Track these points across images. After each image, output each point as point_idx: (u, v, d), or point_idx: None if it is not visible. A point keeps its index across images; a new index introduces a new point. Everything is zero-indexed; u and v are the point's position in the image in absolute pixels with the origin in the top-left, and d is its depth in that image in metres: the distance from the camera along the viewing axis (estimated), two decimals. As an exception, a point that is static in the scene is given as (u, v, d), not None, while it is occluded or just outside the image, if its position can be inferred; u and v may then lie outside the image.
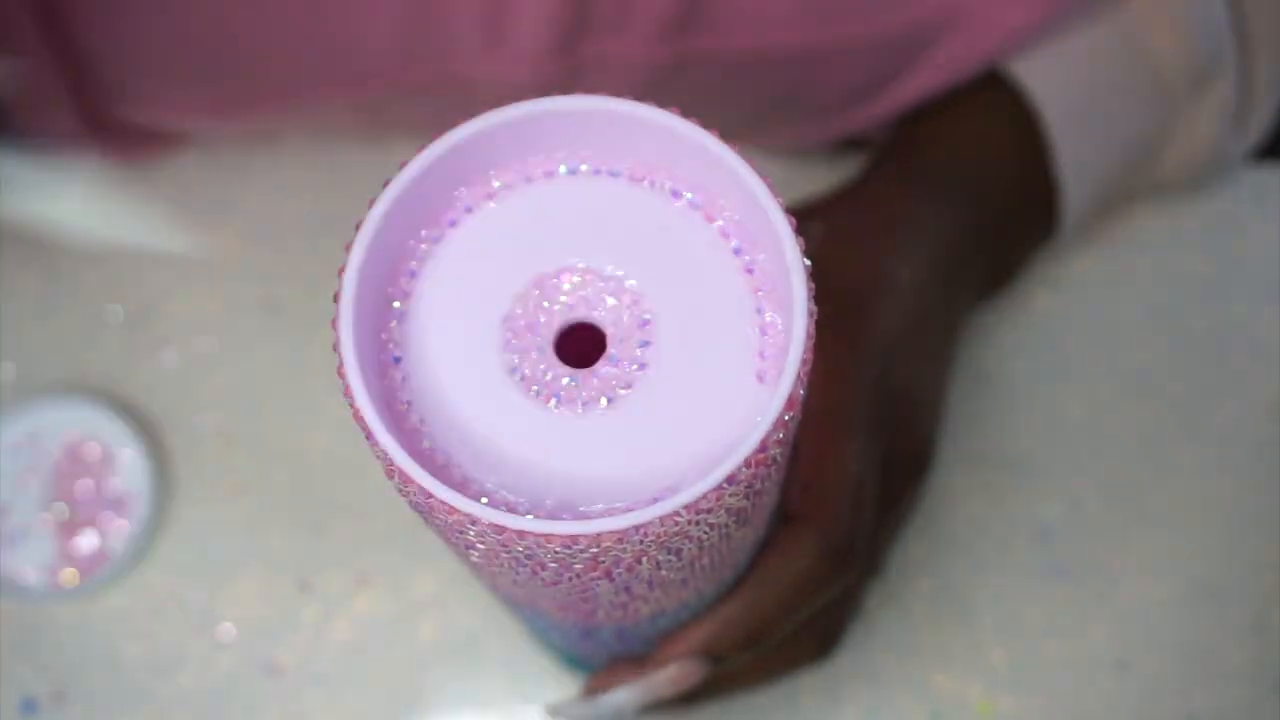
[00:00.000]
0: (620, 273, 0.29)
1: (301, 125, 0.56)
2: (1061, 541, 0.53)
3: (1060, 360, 0.55)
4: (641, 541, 0.26)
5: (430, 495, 0.26)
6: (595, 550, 0.26)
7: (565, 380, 0.28)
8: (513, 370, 0.28)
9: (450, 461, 0.28)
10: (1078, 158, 0.51)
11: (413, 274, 0.29)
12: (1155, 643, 0.52)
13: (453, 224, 0.29)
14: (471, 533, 0.26)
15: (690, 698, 0.42)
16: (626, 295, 0.29)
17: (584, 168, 0.29)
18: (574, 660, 0.47)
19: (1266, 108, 0.54)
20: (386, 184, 0.27)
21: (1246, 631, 0.52)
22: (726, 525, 0.28)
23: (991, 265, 0.51)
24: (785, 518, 0.40)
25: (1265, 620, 0.52)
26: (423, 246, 0.29)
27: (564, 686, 0.51)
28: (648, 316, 0.28)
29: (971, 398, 0.54)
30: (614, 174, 0.29)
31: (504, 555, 0.27)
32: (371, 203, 0.27)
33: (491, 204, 0.29)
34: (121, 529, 0.53)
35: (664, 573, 0.30)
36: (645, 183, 0.29)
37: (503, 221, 0.29)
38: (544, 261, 0.29)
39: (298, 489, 0.53)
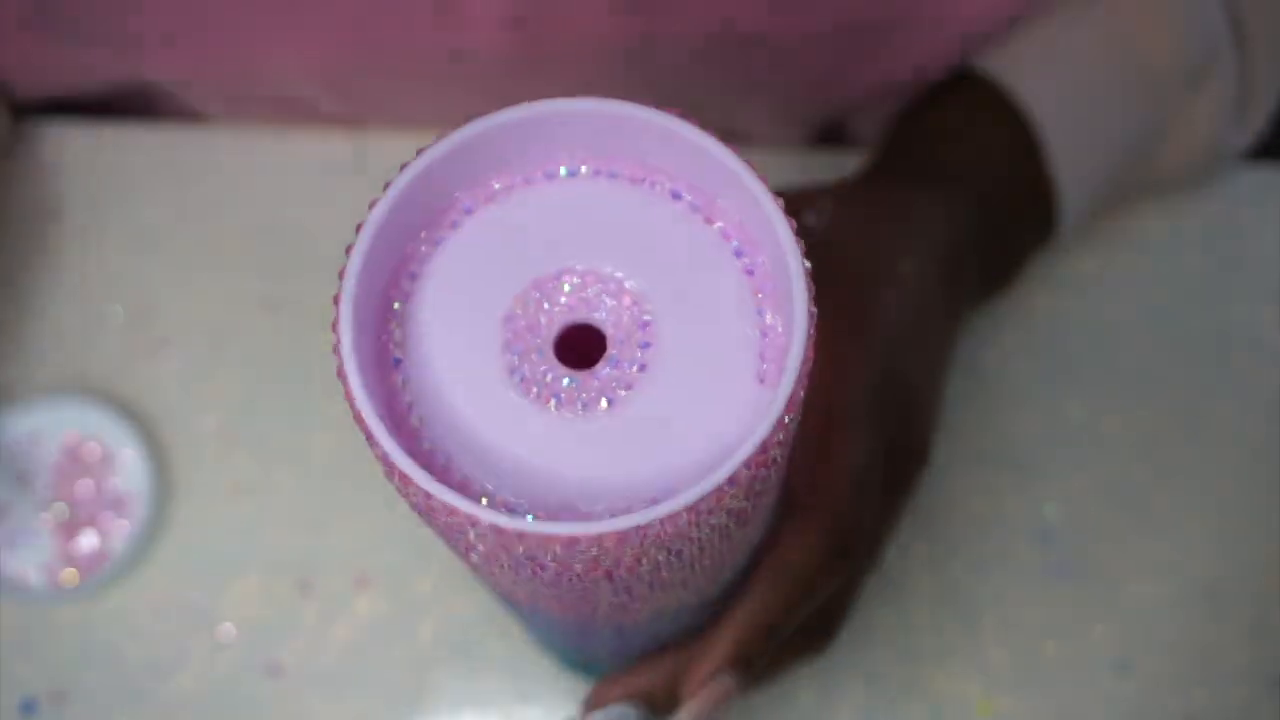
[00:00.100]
0: (620, 274, 0.29)
1: (273, 104, 0.56)
2: (1061, 541, 0.53)
3: (1060, 360, 0.55)
4: (642, 543, 0.26)
5: (431, 497, 0.26)
6: (596, 551, 0.26)
7: (565, 381, 0.28)
8: (513, 372, 0.28)
9: (451, 463, 0.28)
10: (1073, 159, 0.51)
11: (413, 276, 0.29)
12: (1155, 643, 0.52)
13: (453, 226, 0.29)
14: (472, 534, 0.26)
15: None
16: (626, 297, 0.29)
17: (584, 169, 0.29)
18: (573, 660, 0.47)
19: (1265, 104, 0.55)
20: (386, 186, 0.28)
21: (1246, 631, 0.52)
22: (727, 526, 0.28)
23: (991, 264, 0.51)
24: (789, 510, 0.40)
25: (1265, 620, 0.52)
26: (423, 248, 0.29)
27: (564, 686, 0.51)
28: (648, 318, 0.28)
29: (971, 398, 0.54)
30: (614, 176, 0.29)
31: (504, 556, 0.27)
32: (372, 205, 0.27)
33: (491, 206, 0.29)
34: (121, 529, 0.53)
35: (664, 573, 0.29)
36: (645, 184, 0.29)
37: (502, 223, 0.29)
38: (544, 263, 0.29)
39: (298, 489, 0.53)
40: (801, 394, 0.27)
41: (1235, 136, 0.55)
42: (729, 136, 0.28)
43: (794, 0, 0.49)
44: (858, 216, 0.47)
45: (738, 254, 0.29)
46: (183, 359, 0.55)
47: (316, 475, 0.54)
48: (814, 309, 0.27)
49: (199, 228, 0.57)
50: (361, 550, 0.53)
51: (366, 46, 0.50)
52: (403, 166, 0.28)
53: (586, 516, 0.27)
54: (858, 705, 0.51)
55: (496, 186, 0.29)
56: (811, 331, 0.27)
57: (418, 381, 0.28)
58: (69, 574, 0.52)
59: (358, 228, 0.27)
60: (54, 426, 0.54)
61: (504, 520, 0.25)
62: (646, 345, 0.28)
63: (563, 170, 0.29)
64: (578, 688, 0.51)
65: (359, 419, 0.26)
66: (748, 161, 0.28)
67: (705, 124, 0.28)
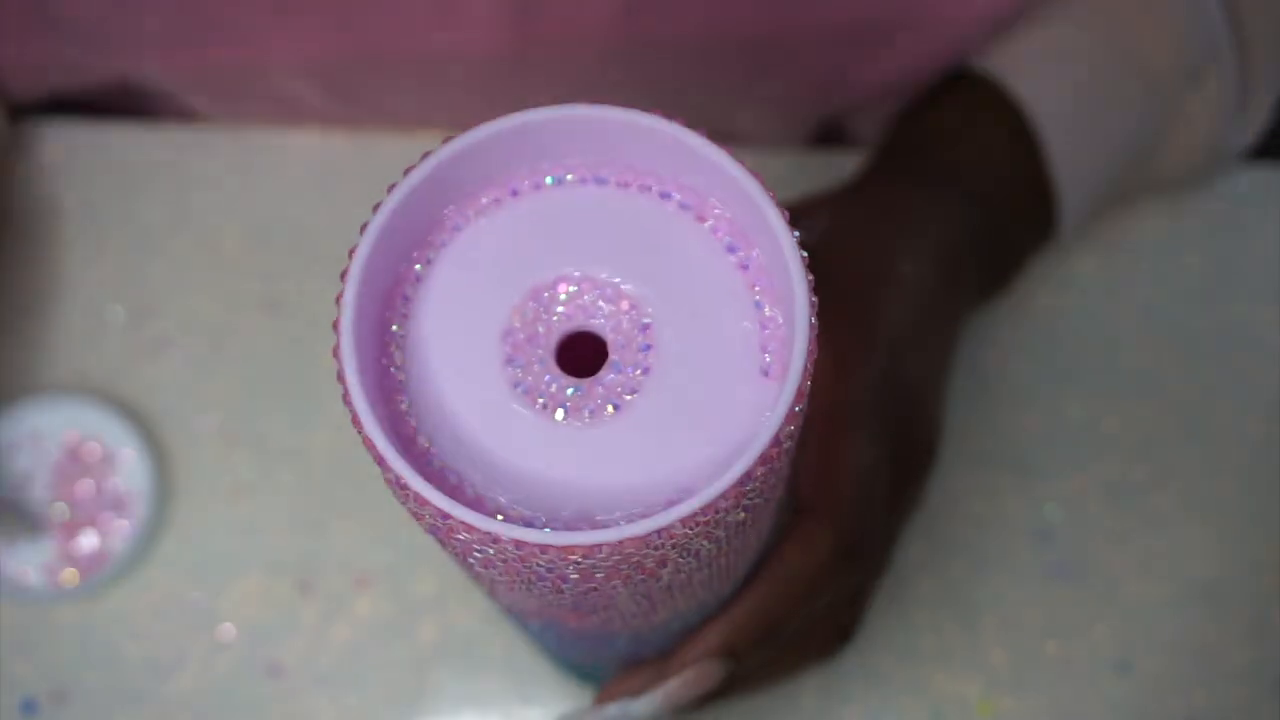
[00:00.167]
0: (616, 279, 0.29)
1: (269, 103, 0.56)
2: (1061, 541, 0.53)
3: (1060, 360, 0.55)
4: (662, 546, 0.26)
5: (448, 516, 0.25)
6: (617, 558, 0.26)
7: (570, 390, 0.28)
8: (516, 384, 0.28)
9: (462, 481, 0.27)
10: (1072, 161, 0.51)
11: (407, 298, 0.29)
12: (1155, 643, 0.52)
13: (444, 244, 0.29)
14: (491, 551, 0.26)
15: (706, 699, 0.42)
16: (624, 301, 0.29)
17: (570, 177, 0.29)
18: (580, 670, 0.47)
19: (1265, 103, 0.55)
20: (375, 209, 0.27)
21: (1246, 631, 0.52)
22: (743, 521, 0.28)
23: (992, 265, 0.51)
24: (796, 511, 0.40)
25: (1265, 620, 0.52)
26: (416, 268, 0.29)
27: (564, 687, 0.51)
28: (647, 320, 0.28)
29: (971, 398, 0.54)
30: (601, 181, 0.29)
31: (524, 571, 0.27)
32: (363, 229, 0.27)
33: (481, 220, 0.29)
34: (122, 529, 0.53)
35: (683, 575, 0.29)
36: (633, 187, 0.29)
37: (493, 237, 0.29)
38: (538, 273, 0.29)
39: (298, 489, 0.53)
40: (808, 384, 0.27)
41: (1236, 136, 0.55)
42: (727, 138, 0.28)
43: (793, 2, 0.49)
44: (857, 218, 0.47)
45: (731, 249, 0.29)
46: (183, 359, 0.55)
47: (316, 475, 0.54)
48: (814, 298, 0.27)
49: (199, 228, 0.57)
50: (361, 550, 0.53)
51: (366, 48, 0.50)
52: (390, 189, 0.28)
53: (603, 524, 0.27)
54: (858, 705, 0.51)
55: (484, 200, 0.29)
56: (813, 320, 0.27)
57: (422, 402, 0.28)
58: (69, 574, 0.52)
59: (350, 253, 0.27)
60: (54, 426, 0.54)
61: (525, 534, 0.25)
62: (647, 348, 0.28)
63: (549, 179, 0.29)
64: (578, 688, 0.51)
65: (369, 444, 0.26)
66: (736, 156, 0.28)
67: (691, 122, 0.28)
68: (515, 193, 0.29)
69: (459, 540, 0.26)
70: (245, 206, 0.57)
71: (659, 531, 0.25)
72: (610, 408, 0.28)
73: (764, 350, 0.28)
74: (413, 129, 0.57)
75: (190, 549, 0.53)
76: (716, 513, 0.26)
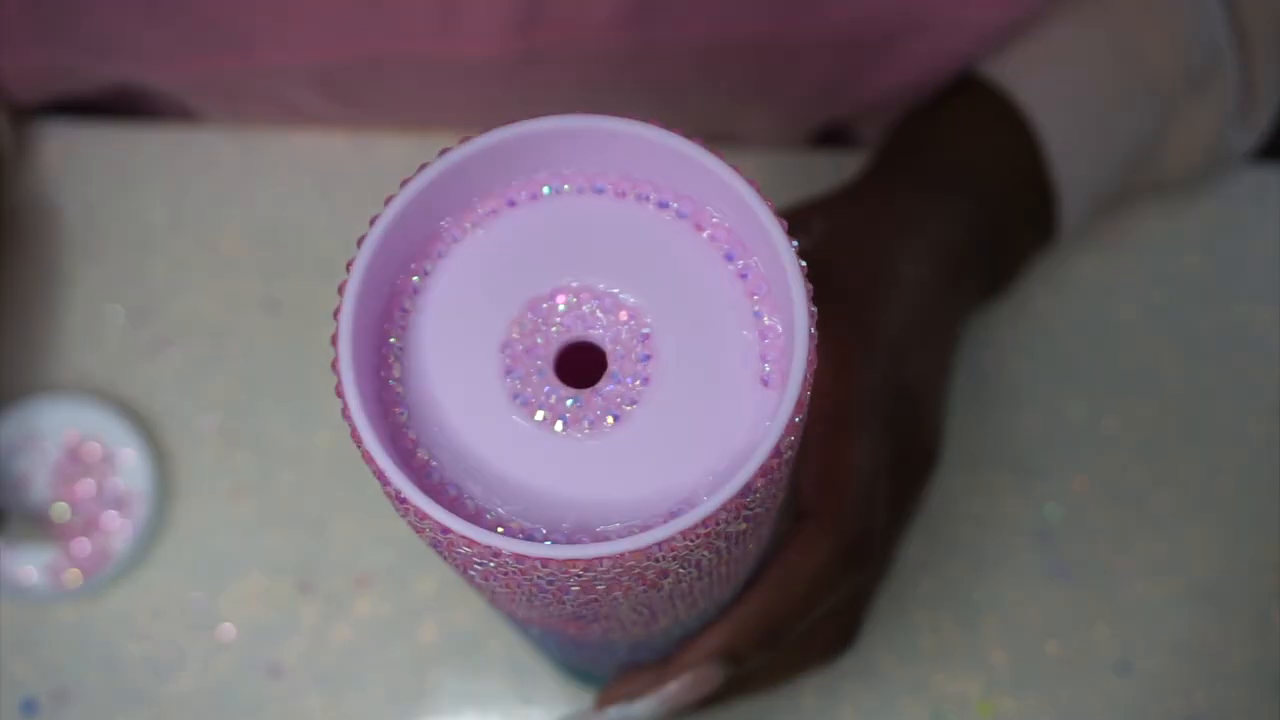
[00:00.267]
0: (614, 289, 0.29)
1: (271, 106, 0.56)
2: (1061, 541, 0.53)
3: (1060, 360, 0.55)
4: (663, 557, 0.26)
5: (448, 530, 0.25)
6: (618, 570, 0.26)
7: (569, 402, 0.28)
8: (515, 396, 0.28)
9: (462, 494, 0.27)
10: (1073, 163, 0.51)
11: (405, 310, 0.29)
12: (1155, 643, 0.52)
13: (441, 255, 0.29)
14: (492, 564, 0.26)
15: (707, 700, 0.42)
16: (623, 311, 0.28)
17: (566, 187, 0.29)
18: (581, 673, 0.47)
19: (1267, 105, 0.55)
20: (372, 222, 0.27)
21: (1246, 631, 0.52)
22: (744, 531, 0.28)
23: (992, 266, 0.51)
24: (798, 515, 0.40)
25: (1265, 620, 0.52)
26: (414, 280, 0.29)
27: (564, 688, 0.51)
28: (646, 330, 0.28)
29: (971, 398, 0.54)
30: (598, 190, 0.29)
31: (525, 583, 0.27)
32: (360, 242, 0.27)
33: (479, 231, 0.29)
34: (122, 529, 0.53)
35: (683, 585, 0.29)
36: (630, 197, 0.29)
37: (491, 248, 0.29)
38: (536, 284, 0.29)
39: (298, 489, 0.53)
40: (808, 394, 0.27)
41: (1238, 138, 0.54)
42: (730, 141, 0.28)
43: (797, 8, 0.48)
44: (856, 220, 0.47)
45: (729, 258, 0.29)
46: (183, 359, 0.55)
47: (316, 475, 0.54)
48: (813, 307, 0.27)
49: (199, 228, 0.57)
50: (361, 550, 0.53)
51: (370, 54, 0.50)
52: (386, 201, 0.27)
53: (603, 536, 0.27)
54: (858, 705, 0.51)
55: (482, 211, 0.29)
56: (813, 329, 0.27)
57: (421, 415, 0.28)
58: (70, 574, 0.52)
59: (348, 266, 0.27)
60: (54, 426, 0.54)
61: (526, 548, 0.25)
62: (647, 358, 0.28)
63: (546, 189, 0.29)
64: (578, 689, 0.51)
65: (369, 459, 0.26)
66: (733, 165, 0.27)
67: (695, 127, 0.28)
68: (512, 203, 0.29)
69: (460, 554, 0.26)
70: (245, 206, 0.57)
71: (660, 544, 0.25)
72: (610, 419, 0.28)
73: (763, 360, 0.28)
74: (413, 130, 0.57)
75: (190, 549, 0.53)
76: (717, 524, 0.26)
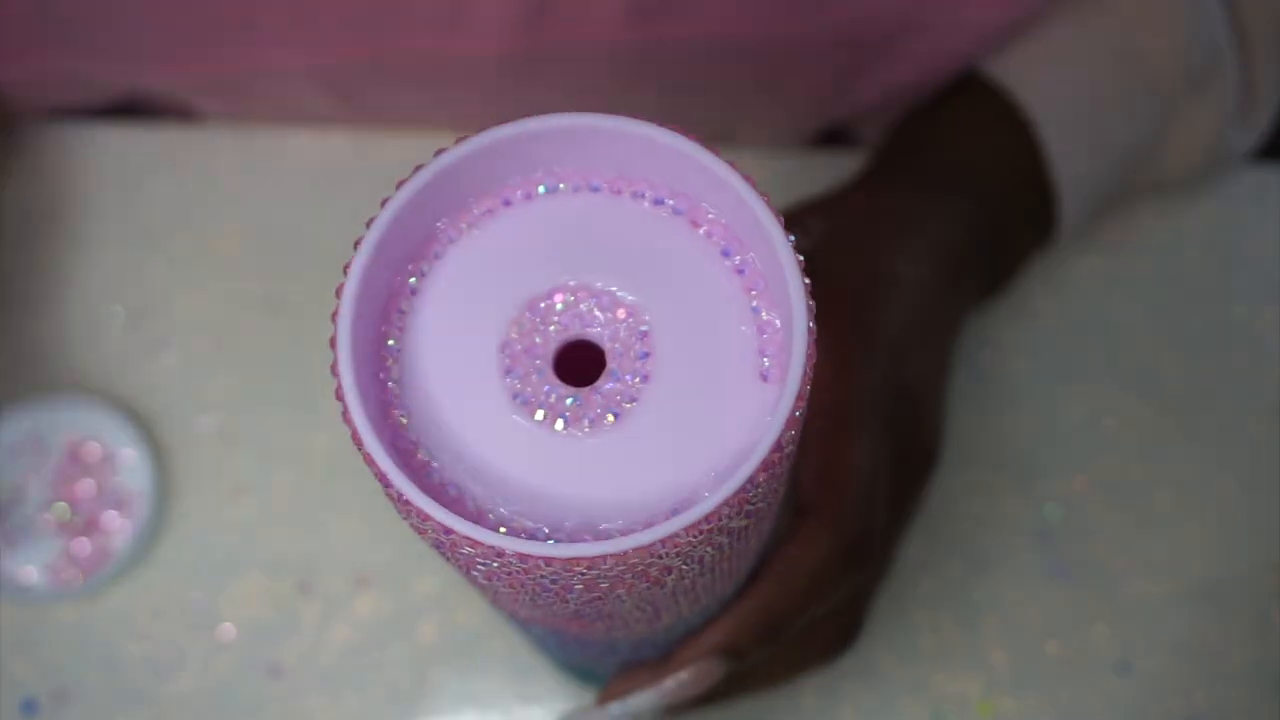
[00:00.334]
0: (612, 287, 0.29)
1: (273, 106, 0.56)
2: (1061, 541, 0.53)
3: (1060, 360, 0.55)
4: (666, 554, 0.26)
5: (451, 531, 0.25)
6: (622, 568, 0.26)
7: (569, 401, 0.28)
8: (515, 396, 0.28)
9: (463, 494, 0.27)
10: (1073, 163, 0.51)
11: (403, 311, 0.29)
12: (1155, 643, 0.52)
13: (437, 257, 0.29)
14: (495, 564, 0.26)
15: (707, 698, 0.42)
16: (620, 309, 0.28)
17: (562, 186, 0.29)
18: (582, 672, 0.47)
19: (1267, 105, 0.55)
20: (369, 224, 0.27)
21: (1246, 631, 0.52)
22: (745, 527, 0.28)
23: (991, 266, 0.51)
24: (799, 513, 0.40)
25: (1265, 620, 0.52)
26: (411, 281, 0.29)
27: (565, 686, 0.51)
28: (644, 328, 0.28)
29: (971, 398, 0.54)
30: (594, 189, 0.29)
31: (528, 582, 0.27)
32: (356, 244, 0.27)
33: (475, 232, 0.29)
34: (122, 529, 0.53)
35: (686, 581, 0.29)
36: (626, 194, 0.29)
37: (488, 248, 0.29)
38: (534, 283, 0.29)
39: (298, 489, 0.53)
40: (808, 388, 0.27)
41: (1237, 139, 0.54)
42: (730, 141, 0.28)
43: (802, 7, 0.48)
44: (856, 220, 0.47)
45: (725, 254, 0.29)
46: (183, 359, 0.55)
47: (316, 475, 0.54)
48: (812, 302, 0.27)
49: (199, 228, 0.57)
50: (361, 550, 0.53)
51: (376, 55, 0.50)
52: (383, 203, 0.27)
53: (606, 534, 0.27)
54: (858, 705, 0.51)
55: (478, 211, 0.29)
56: (811, 323, 0.27)
57: (421, 416, 0.28)
58: (70, 574, 0.52)
59: (345, 268, 0.27)
60: (54, 426, 0.54)
61: (529, 547, 0.25)
62: (645, 355, 0.28)
63: (541, 189, 0.29)
64: (579, 688, 0.51)
65: (370, 461, 0.26)
66: (729, 161, 0.27)
67: (698, 126, 0.28)
68: (508, 203, 0.29)
69: (463, 554, 0.26)
70: (245, 206, 0.57)
71: (663, 540, 0.25)
72: (610, 416, 0.28)
73: (762, 355, 0.28)
74: (415, 130, 0.57)
75: (190, 549, 0.53)
76: (720, 520, 0.26)
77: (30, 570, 0.52)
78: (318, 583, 0.52)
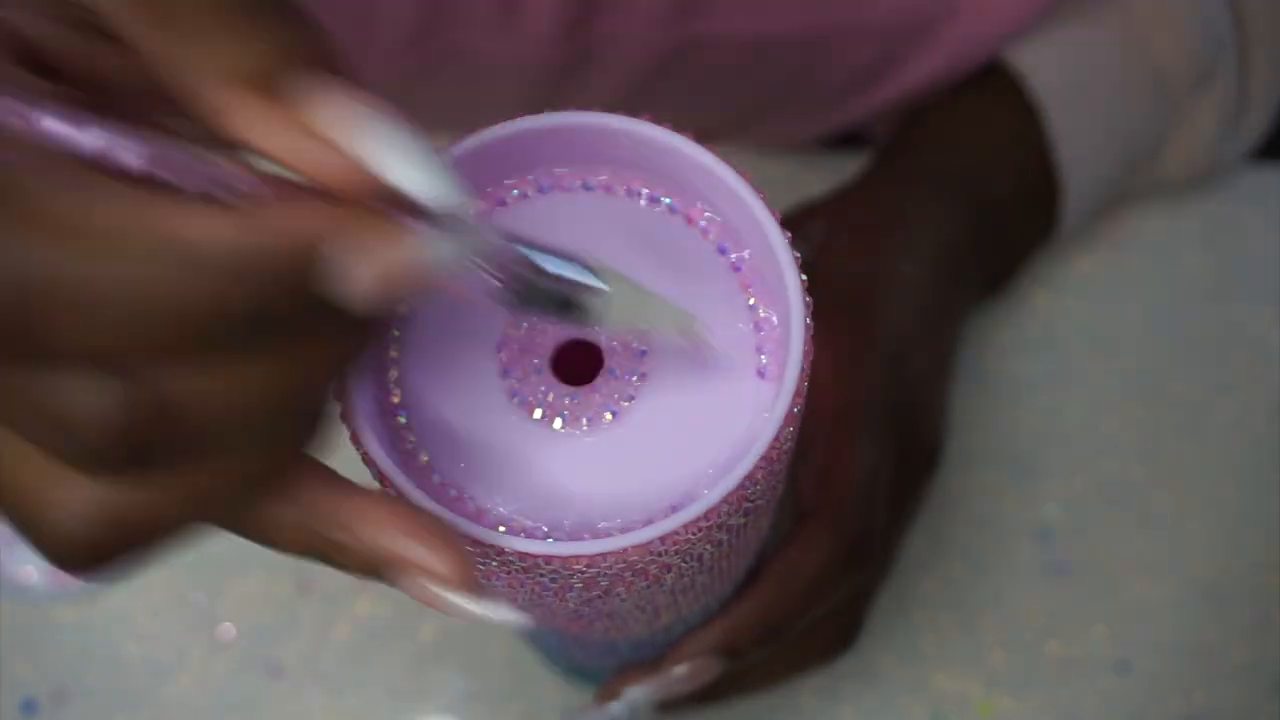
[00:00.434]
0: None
1: None
2: (1061, 541, 0.53)
3: (1060, 360, 0.55)
4: (665, 552, 0.26)
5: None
6: (621, 566, 0.26)
7: (567, 399, 0.28)
8: (513, 395, 0.28)
9: (462, 494, 0.27)
10: (1079, 156, 0.51)
11: (402, 311, 0.29)
12: (1155, 643, 0.52)
13: None
14: (495, 563, 0.26)
15: (706, 697, 0.42)
16: None
17: (559, 184, 0.29)
18: (582, 671, 0.47)
19: (1264, 108, 0.55)
20: None
21: (1246, 631, 0.52)
22: (744, 524, 0.28)
23: (993, 263, 0.51)
24: (800, 514, 0.40)
25: (1265, 620, 0.52)
26: None
27: (565, 687, 0.51)
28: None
29: (971, 398, 0.54)
30: (588, 187, 0.29)
31: (528, 581, 0.27)
32: None
33: None
34: (122, 529, 0.53)
35: (685, 579, 0.29)
36: (621, 192, 0.29)
37: None
38: None
39: (298, 489, 0.53)
40: (805, 384, 0.27)
41: (1237, 139, 0.55)
42: (748, 139, 0.27)
43: (827, 2, 0.48)
44: (857, 220, 0.47)
45: (722, 251, 0.29)
46: (183, 359, 0.55)
47: (316, 475, 0.53)
48: (809, 298, 0.27)
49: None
50: (361, 550, 0.52)
51: (421, 61, 0.50)
52: None
53: (605, 532, 0.27)
54: (858, 705, 0.51)
55: (475, 211, 0.29)
56: (809, 320, 0.27)
57: (420, 416, 0.28)
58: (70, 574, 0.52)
59: None
60: (54, 427, 0.54)
61: (529, 545, 0.25)
62: (643, 353, 0.28)
63: (537, 188, 0.29)
64: (578, 688, 0.51)
65: (370, 463, 0.26)
66: (724, 158, 0.27)
67: (729, 125, 0.28)
68: (503, 203, 0.29)
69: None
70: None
71: (662, 538, 0.25)
72: (608, 415, 0.28)
73: (760, 351, 0.28)
74: (443, 130, 0.57)
75: (190, 549, 0.53)
76: (719, 517, 0.26)
77: (30, 570, 0.52)
78: (318, 583, 0.52)
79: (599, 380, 0.28)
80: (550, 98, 0.51)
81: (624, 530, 0.26)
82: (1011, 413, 0.54)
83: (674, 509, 0.27)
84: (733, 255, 0.29)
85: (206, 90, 0.21)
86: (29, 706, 0.51)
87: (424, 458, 0.28)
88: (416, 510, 0.24)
